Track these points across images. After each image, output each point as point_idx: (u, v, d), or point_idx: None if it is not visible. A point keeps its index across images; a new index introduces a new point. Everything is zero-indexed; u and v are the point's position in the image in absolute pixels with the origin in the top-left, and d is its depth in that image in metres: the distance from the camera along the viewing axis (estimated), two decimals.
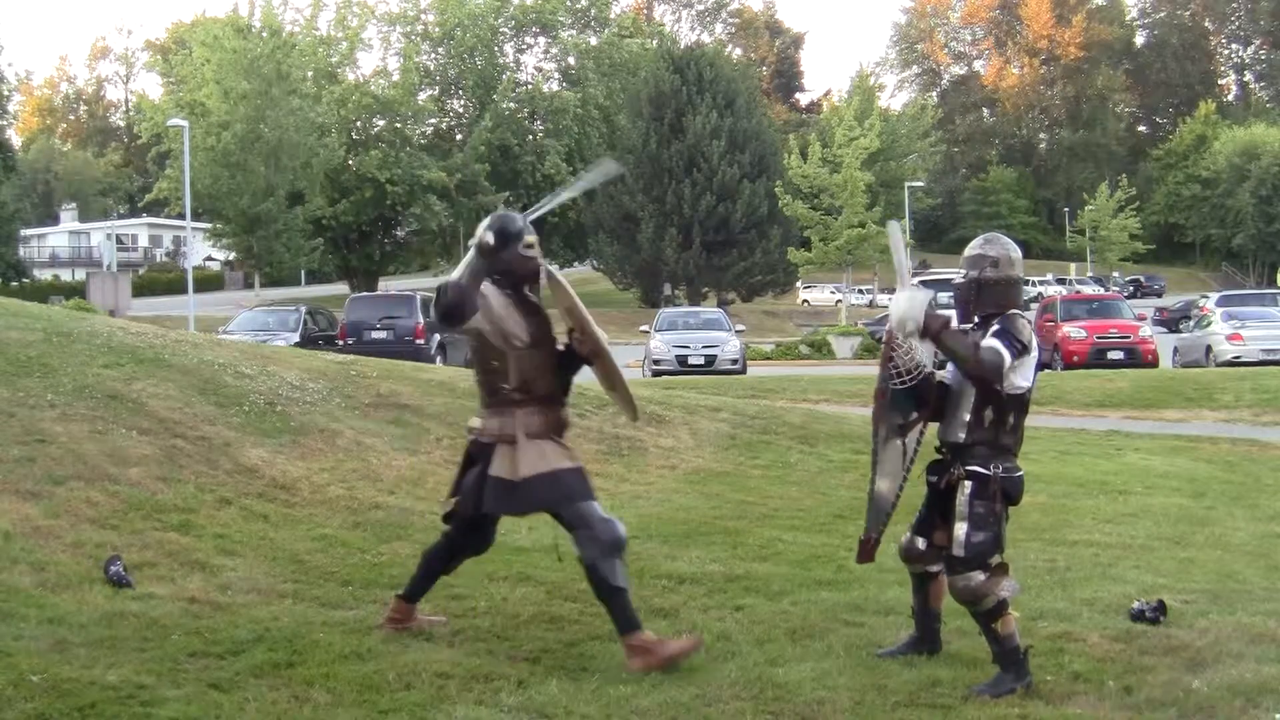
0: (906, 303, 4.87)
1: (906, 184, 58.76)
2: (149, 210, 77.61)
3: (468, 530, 5.52)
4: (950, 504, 5.00)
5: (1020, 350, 4.80)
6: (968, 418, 4.92)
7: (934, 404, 5.04)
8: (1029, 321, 4.97)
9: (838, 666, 5.12)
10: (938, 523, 5.09)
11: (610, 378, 5.67)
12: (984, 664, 5.19)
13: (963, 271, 5.10)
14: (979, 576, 4.82)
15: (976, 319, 5.06)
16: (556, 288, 5.42)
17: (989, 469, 4.88)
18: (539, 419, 5.29)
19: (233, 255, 58.81)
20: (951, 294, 5.23)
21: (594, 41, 65.71)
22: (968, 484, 4.92)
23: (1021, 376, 4.89)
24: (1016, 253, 5.10)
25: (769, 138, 57.41)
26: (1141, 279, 71.93)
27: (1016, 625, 4.88)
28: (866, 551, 5.23)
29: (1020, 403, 4.97)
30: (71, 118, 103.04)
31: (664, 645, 5.09)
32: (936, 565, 5.14)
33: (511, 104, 62.16)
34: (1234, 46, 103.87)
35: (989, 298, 5.01)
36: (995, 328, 4.87)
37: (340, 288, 61.67)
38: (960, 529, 4.87)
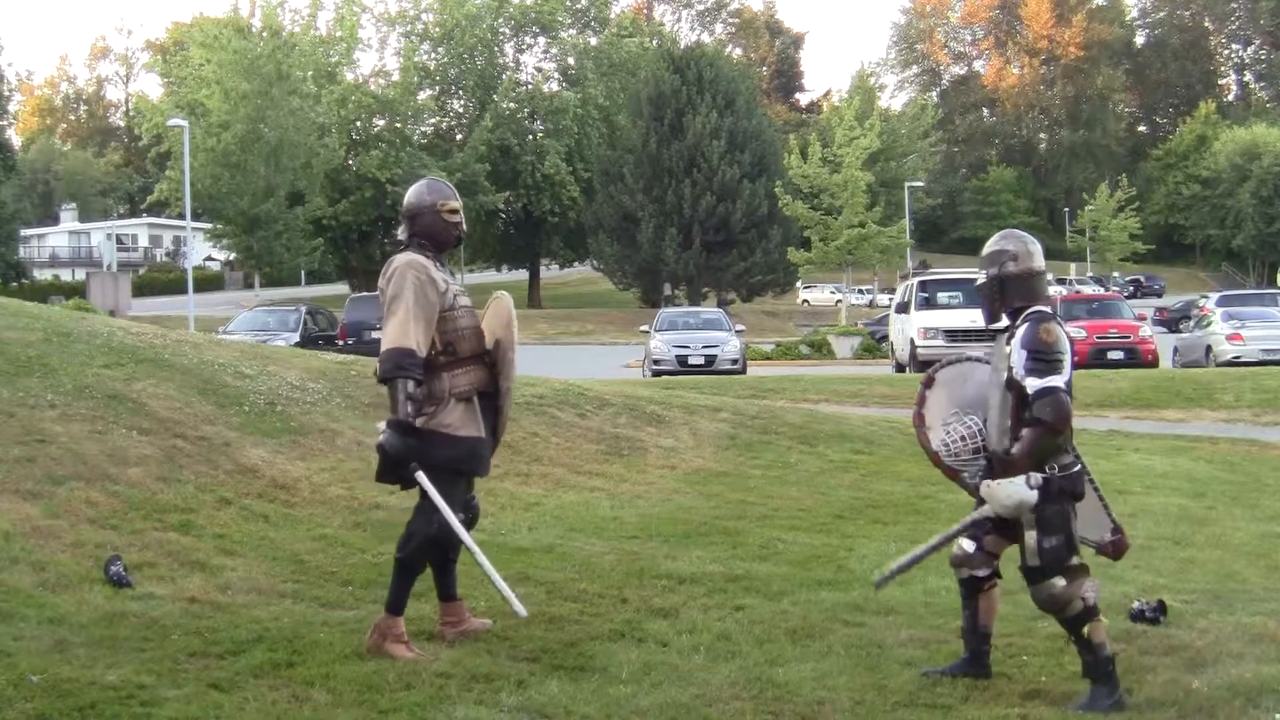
0: (1013, 504, 4.69)
1: (906, 184, 58.77)
2: (149, 210, 77.66)
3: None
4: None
5: (1052, 364, 4.62)
6: (1009, 424, 4.77)
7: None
8: (1053, 316, 4.75)
9: (838, 666, 5.12)
10: (989, 527, 4.90)
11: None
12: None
13: (982, 271, 4.97)
14: (1059, 583, 4.66)
15: (1005, 316, 4.92)
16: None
17: (1046, 470, 4.69)
18: (464, 379, 5.39)
19: (233, 255, 58.87)
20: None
21: (594, 41, 65.68)
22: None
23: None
24: (1035, 245, 4.98)
25: (769, 138, 57.33)
26: (1141, 279, 71.91)
27: (1108, 633, 4.71)
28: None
29: None
30: (71, 118, 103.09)
31: (397, 642, 5.15)
32: (984, 570, 4.97)
33: (511, 104, 62.14)
34: (1234, 46, 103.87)
35: (1013, 292, 4.89)
36: (1022, 355, 4.67)
37: (340, 288, 61.75)
38: (1030, 536, 4.69)
